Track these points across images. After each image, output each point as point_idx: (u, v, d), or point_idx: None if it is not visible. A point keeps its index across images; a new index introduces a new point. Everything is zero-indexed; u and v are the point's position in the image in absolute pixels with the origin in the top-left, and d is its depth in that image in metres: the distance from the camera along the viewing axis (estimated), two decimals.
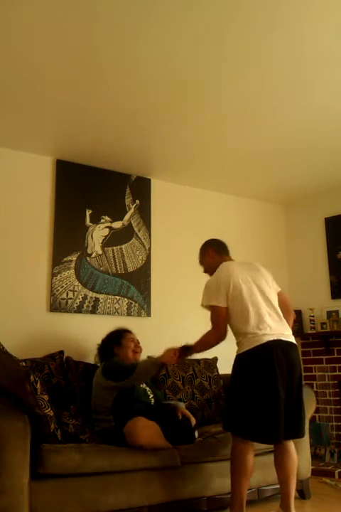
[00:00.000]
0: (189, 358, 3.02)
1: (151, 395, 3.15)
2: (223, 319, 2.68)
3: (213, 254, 2.95)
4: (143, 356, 3.29)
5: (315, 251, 4.75)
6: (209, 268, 2.94)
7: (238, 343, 2.68)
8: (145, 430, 2.69)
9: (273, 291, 2.81)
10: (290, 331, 2.71)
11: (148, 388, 3.17)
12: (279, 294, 2.85)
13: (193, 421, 3.05)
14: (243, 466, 2.54)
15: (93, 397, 3.02)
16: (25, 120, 3.27)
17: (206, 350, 2.83)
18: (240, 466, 2.55)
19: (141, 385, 3.13)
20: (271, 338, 2.57)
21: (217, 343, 2.74)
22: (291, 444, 2.66)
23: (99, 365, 3.22)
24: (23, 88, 2.90)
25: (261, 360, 2.54)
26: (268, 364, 2.52)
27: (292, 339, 2.68)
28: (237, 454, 2.56)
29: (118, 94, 3.00)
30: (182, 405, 3.21)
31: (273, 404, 2.48)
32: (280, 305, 2.78)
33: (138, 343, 3.32)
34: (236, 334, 2.69)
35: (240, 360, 2.63)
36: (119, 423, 2.82)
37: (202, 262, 3.06)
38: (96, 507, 2.52)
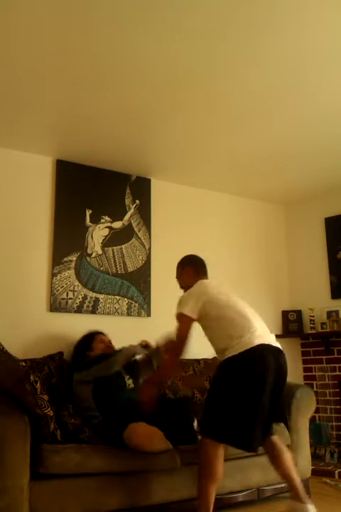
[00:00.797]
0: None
1: (127, 377, 3.15)
2: (185, 335, 2.65)
3: (191, 272, 2.93)
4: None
5: (315, 251, 4.75)
6: (186, 285, 2.91)
7: (224, 350, 2.56)
8: (150, 439, 2.66)
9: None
10: (274, 338, 2.65)
11: (126, 375, 3.17)
12: None
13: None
14: (215, 472, 2.45)
15: (75, 400, 2.99)
16: (25, 120, 3.27)
17: (167, 374, 2.81)
18: (212, 473, 2.45)
19: (126, 380, 3.14)
20: (261, 342, 2.51)
21: (177, 363, 2.70)
22: (277, 439, 2.68)
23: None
24: (23, 88, 2.90)
25: (253, 364, 2.46)
26: (259, 369, 2.45)
27: (279, 346, 2.63)
28: (210, 460, 2.45)
29: (118, 94, 3.00)
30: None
31: (256, 410, 2.43)
32: None
33: (110, 342, 3.32)
34: (221, 340, 2.60)
35: (229, 363, 2.52)
36: (107, 417, 2.83)
37: (179, 278, 3.03)
38: (96, 507, 2.53)
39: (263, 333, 2.59)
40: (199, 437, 2.92)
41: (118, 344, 3.37)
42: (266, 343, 2.53)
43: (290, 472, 2.62)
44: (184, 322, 2.67)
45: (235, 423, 2.43)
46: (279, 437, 2.76)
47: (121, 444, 2.68)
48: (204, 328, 2.71)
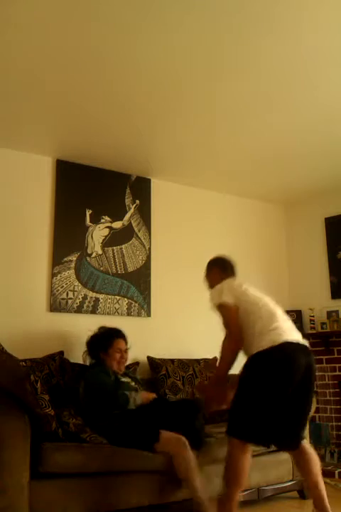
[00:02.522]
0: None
1: (133, 383, 3.15)
2: (234, 319, 2.53)
3: (217, 272, 2.87)
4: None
5: (315, 251, 4.75)
6: (212, 286, 2.84)
7: (249, 346, 2.49)
8: (183, 450, 2.65)
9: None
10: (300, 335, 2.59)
11: (134, 383, 3.16)
12: None
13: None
14: (241, 475, 2.38)
15: (81, 401, 3.00)
16: (25, 120, 3.27)
17: (228, 365, 2.56)
18: (238, 476, 2.39)
19: (128, 381, 3.14)
20: (290, 339, 2.43)
21: (236, 348, 2.53)
22: (308, 447, 2.56)
23: (87, 363, 3.23)
24: (23, 88, 2.90)
25: (280, 360, 2.38)
26: (287, 366, 2.38)
27: (307, 344, 2.55)
28: (236, 461, 2.39)
29: (118, 95, 3.00)
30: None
31: (285, 407, 2.39)
32: None
33: (126, 351, 3.23)
34: (247, 337, 2.52)
35: (256, 359, 2.44)
36: (118, 423, 2.82)
37: (206, 278, 2.97)
38: (96, 507, 2.52)
39: (291, 330, 2.52)
40: (208, 440, 2.92)
41: None
42: (296, 341, 2.46)
43: (317, 482, 2.52)
44: (227, 309, 2.55)
45: (262, 421, 2.37)
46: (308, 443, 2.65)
47: (151, 450, 2.69)
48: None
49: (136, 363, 3.59)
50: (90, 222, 3.88)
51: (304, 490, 3.23)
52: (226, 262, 2.95)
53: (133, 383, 3.17)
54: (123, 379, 3.15)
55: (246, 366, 2.51)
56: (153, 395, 3.06)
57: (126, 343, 3.26)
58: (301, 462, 2.57)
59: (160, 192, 4.26)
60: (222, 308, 2.58)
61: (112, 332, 3.24)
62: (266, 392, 2.37)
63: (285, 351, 2.40)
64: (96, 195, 3.93)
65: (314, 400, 3.41)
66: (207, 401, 2.74)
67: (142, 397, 2.99)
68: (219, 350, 2.57)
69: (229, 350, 2.55)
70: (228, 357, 2.55)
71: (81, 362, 3.33)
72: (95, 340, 3.24)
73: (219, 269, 2.89)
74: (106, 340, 3.19)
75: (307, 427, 3.37)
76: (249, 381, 2.46)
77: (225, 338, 2.57)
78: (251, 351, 2.47)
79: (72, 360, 3.35)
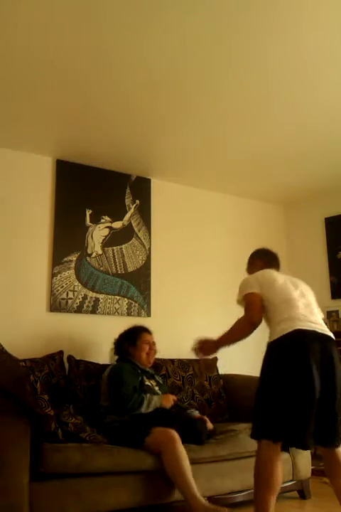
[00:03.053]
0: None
1: (157, 388, 3.15)
2: (256, 304, 2.47)
3: (261, 265, 2.80)
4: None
5: (315, 251, 4.75)
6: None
7: (270, 334, 2.46)
8: (172, 444, 2.63)
9: (316, 306, 2.60)
10: (326, 327, 2.49)
11: (158, 389, 3.16)
12: None
13: (210, 425, 3.04)
14: (272, 478, 2.23)
15: (101, 395, 3.03)
16: (25, 120, 3.26)
17: (235, 340, 2.55)
18: (268, 479, 2.23)
19: (153, 386, 3.13)
20: (304, 327, 2.34)
21: (249, 329, 2.48)
22: (339, 454, 2.36)
23: (114, 362, 3.25)
24: (23, 88, 2.90)
25: (293, 348, 2.30)
26: (300, 354, 2.28)
27: (330, 333, 2.43)
28: (265, 464, 2.25)
29: (118, 95, 3.00)
30: (196, 413, 3.17)
31: (303, 401, 2.22)
32: None
33: (154, 344, 3.28)
34: (270, 325, 2.49)
35: (270, 349, 2.40)
36: (128, 422, 2.83)
37: (248, 271, 2.89)
38: (96, 507, 2.52)
39: (309, 318, 2.41)
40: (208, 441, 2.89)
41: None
42: (310, 328, 2.35)
43: None
44: (250, 298, 2.51)
45: (280, 416, 2.24)
46: None
47: (141, 447, 2.68)
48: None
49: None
50: (90, 222, 3.88)
51: (304, 490, 3.23)
52: (269, 254, 2.89)
53: (157, 387, 3.17)
54: (148, 382, 3.13)
55: (264, 357, 2.44)
56: (174, 398, 3.08)
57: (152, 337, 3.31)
58: (329, 465, 2.41)
59: (160, 192, 4.26)
60: (246, 298, 2.53)
61: (139, 327, 3.31)
62: (278, 382, 2.28)
63: (294, 338, 2.32)
64: (96, 195, 3.93)
65: None
66: (197, 350, 2.71)
67: (162, 400, 2.98)
68: (233, 325, 2.53)
69: (240, 328, 2.52)
70: (236, 332, 2.53)
71: (83, 360, 3.34)
72: (123, 335, 3.28)
73: (262, 262, 2.82)
74: (135, 333, 3.25)
75: None
76: (263, 373, 2.40)
77: (242, 319, 2.51)
78: (270, 338, 2.44)
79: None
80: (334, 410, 2.30)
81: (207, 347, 2.65)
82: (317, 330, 2.38)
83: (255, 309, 2.48)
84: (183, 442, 2.72)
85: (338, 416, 2.31)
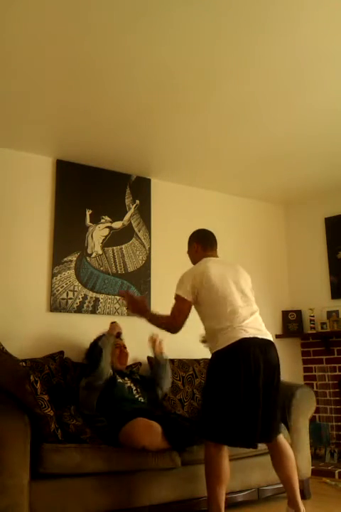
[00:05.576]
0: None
1: (138, 395, 3.14)
2: (182, 313, 2.65)
3: (198, 248, 2.90)
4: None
5: (315, 251, 4.75)
6: (193, 260, 2.92)
7: (212, 342, 2.58)
8: (148, 430, 2.67)
9: (250, 291, 2.74)
10: (265, 329, 2.62)
11: (133, 386, 3.17)
12: None
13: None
14: (218, 472, 2.44)
15: (79, 402, 3.01)
16: (25, 120, 3.26)
17: (155, 325, 2.82)
18: (215, 473, 2.44)
19: (126, 383, 3.14)
20: (247, 336, 2.47)
21: (167, 330, 2.74)
22: (284, 443, 2.61)
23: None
24: (23, 88, 2.90)
25: (236, 358, 2.44)
26: (242, 363, 2.43)
27: (269, 337, 2.60)
28: (212, 460, 2.46)
29: (118, 94, 3.00)
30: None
31: (247, 405, 2.40)
32: None
33: (125, 348, 3.35)
34: (211, 332, 2.61)
35: (214, 359, 2.55)
36: (112, 424, 2.83)
37: (188, 252, 3.02)
38: (96, 507, 2.52)
39: (250, 323, 2.54)
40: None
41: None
42: (252, 336, 2.49)
43: (289, 477, 2.58)
44: (179, 304, 2.68)
45: (227, 421, 2.41)
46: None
47: (119, 444, 2.68)
48: (198, 312, 2.71)
49: (139, 363, 3.59)
50: (90, 222, 3.88)
51: (304, 490, 3.23)
52: (207, 238, 2.95)
53: (132, 384, 3.17)
54: (120, 380, 3.14)
55: (208, 366, 2.60)
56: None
57: (122, 339, 3.40)
58: (275, 456, 2.62)
59: (160, 192, 4.26)
60: (176, 299, 2.70)
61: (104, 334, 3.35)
62: (224, 391, 2.44)
63: (237, 348, 2.46)
64: (96, 195, 3.93)
65: (314, 399, 3.45)
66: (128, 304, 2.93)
67: (106, 339, 3.16)
68: (163, 316, 2.76)
69: (164, 324, 2.74)
70: (161, 324, 2.77)
71: (81, 361, 3.34)
72: (94, 343, 3.30)
73: (200, 245, 2.91)
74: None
75: (308, 427, 3.38)
76: (209, 382, 2.56)
77: (169, 318, 2.70)
78: (212, 348, 2.57)
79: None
80: (273, 408, 2.51)
81: (138, 308, 2.85)
82: (257, 336, 2.53)
83: (180, 316, 2.66)
84: (175, 444, 2.72)
85: (277, 410, 2.53)
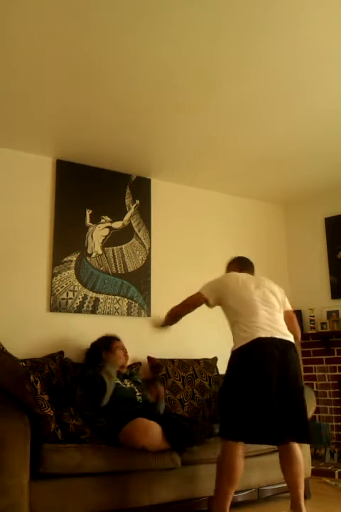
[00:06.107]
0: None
1: (138, 394, 3.13)
2: (192, 299, 2.84)
3: (235, 267, 3.04)
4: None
5: (315, 251, 4.75)
6: None
7: (233, 341, 2.65)
8: (148, 430, 2.67)
9: (279, 303, 2.77)
10: (286, 331, 2.66)
11: (135, 387, 3.17)
12: (286, 312, 2.82)
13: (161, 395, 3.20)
14: (231, 473, 2.44)
15: (77, 404, 2.99)
16: (25, 120, 3.27)
17: (172, 316, 2.98)
18: (226, 471, 2.45)
19: (127, 384, 3.13)
20: (264, 335, 2.53)
21: (178, 312, 2.94)
22: (295, 447, 2.60)
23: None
24: (23, 88, 2.90)
25: (253, 357, 2.50)
26: (258, 361, 2.48)
27: (289, 338, 2.63)
28: (226, 460, 2.46)
29: (118, 94, 3.00)
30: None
31: (264, 403, 2.42)
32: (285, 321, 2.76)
33: (126, 351, 3.35)
34: (232, 331, 2.67)
35: (232, 357, 2.60)
36: (112, 424, 2.83)
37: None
38: (96, 507, 2.52)
39: (269, 324, 2.59)
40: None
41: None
42: (270, 335, 2.55)
43: (296, 483, 2.58)
44: (193, 296, 2.85)
45: (245, 419, 2.42)
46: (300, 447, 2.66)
47: (119, 444, 2.68)
48: (225, 315, 2.80)
49: (139, 363, 3.59)
50: (90, 222, 3.88)
51: (304, 490, 3.23)
52: (244, 260, 3.11)
53: (132, 385, 3.17)
54: (120, 381, 3.13)
55: (229, 361, 2.64)
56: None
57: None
58: (284, 458, 2.62)
59: (160, 192, 4.26)
60: (196, 294, 2.83)
61: (111, 335, 3.39)
62: (242, 390, 2.47)
63: (254, 347, 2.51)
64: (96, 195, 3.93)
65: (314, 399, 3.45)
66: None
67: (108, 366, 3.09)
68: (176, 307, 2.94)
69: (176, 309, 2.93)
70: (174, 311, 2.96)
71: (81, 362, 3.34)
72: (97, 343, 3.33)
73: (237, 267, 3.03)
74: (108, 340, 3.32)
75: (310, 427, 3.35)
76: (226, 381, 2.60)
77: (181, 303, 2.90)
78: (233, 346, 2.62)
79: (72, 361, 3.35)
80: (291, 409, 2.50)
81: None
82: (275, 336, 2.57)
83: (189, 300, 2.87)
84: (175, 445, 2.72)
85: (304, 412, 2.54)
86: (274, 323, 2.63)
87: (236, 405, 2.47)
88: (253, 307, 2.64)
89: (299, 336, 2.87)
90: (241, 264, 3.06)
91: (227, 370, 2.62)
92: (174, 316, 2.98)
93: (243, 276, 2.82)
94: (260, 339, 2.52)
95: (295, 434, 2.54)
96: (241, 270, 2.96)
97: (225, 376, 2.63)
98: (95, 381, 2.94)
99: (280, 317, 2.71)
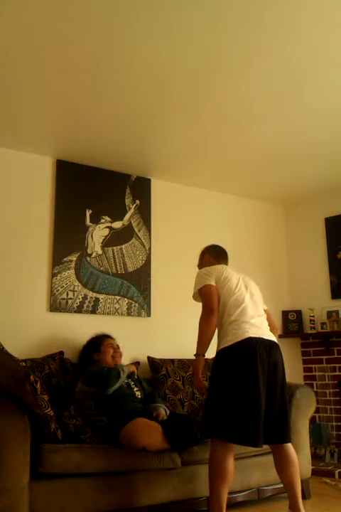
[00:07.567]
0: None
1: (136, 389, 3.14)
2: (212, 294, 2.62)
3: (210, 259, 2.97)
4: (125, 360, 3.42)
5: (315, 251, 4.75)
6: None
7: (219, 337, 2.62)
8: (148, 430, 2.67)
9: (261, 303, 2.78)
10: (270, 332, 2.66)
11: (130, 382, 3.17)
12: (265, 311, 2.81)
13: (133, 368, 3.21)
14: (223, 471, 2.44)
15: (77, 404, 2.99)
16: (25, 120, 3.27)
17: (207, 339, 2.59)
18: (220, 472, 2.44)
19: (124, 381, 3.13)
20: (253, 335, 2.52)
21: (213, 319, 2.58)
22: (289, 447, 2.59)
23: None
24: (23, 88, 2.90)
25: (242, 357, 2.47)
26: (249, 361, 2.45)
27: (274, 338, 2.63)
28: (217, 459, 2.45)
29: (118, 95, 3.00)
30: (162, 410, 3.03)
31: (252, 404, 2.40)
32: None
33: (118, 347, 3.36)
34: (220, 326, 2.63)
35: (220, 356, 2.56)
36: (112, 423, 2.83)
37: (199, 265, 3.06)
38: (96, 507, 2.52)
39: (258, 324, 2.59)
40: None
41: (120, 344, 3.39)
42: (258, 336, 2.54)
43: (292, 484, 2.57)
44: (207, 290, 2.65)
45: (234, 419, 2.41)
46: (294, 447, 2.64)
47: (120, 444, 2.68)
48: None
49: (137, 363, 3.59)
50: (90, 222, 3.88)
51: (304, 490, 3.23)
52: (220, 251, 3.03)
53: (128, 380, 3.17)
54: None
55: (213, 363, 2.60)
56: (133, 368, 3.25)
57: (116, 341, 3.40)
58: (278, 460, 2.62)
59: (160, 192, 4.27)
60: (204, 290, 2.67)
61: (101, 334, 3.39)
62: (230, 388, 2.45)
63: (244, 347, 2.49)
64: (96, 195, 3.93)
65: (314, 399, 3.45)
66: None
67: (129, 367, 3.18)
68: (198, 334, 2.62)
69: (205, 324, 2.59)
70: (204, 332, 2.59)
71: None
72: (86, 345, 3.34)
73: (212, 258, 2.97)
74: (97, 341, 3.33)
75: (308, 427, 3.38)
76: (214, 379, 2.56)
77: (203, 314, 2.63)
78: (219, 345, 2.59)
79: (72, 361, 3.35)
80: (280, 409, 2.51)
81: (197, 379, 2.64)
82: (263, 337, 2.57)
83: (213, 298, 2.62)
84: (175, 444, 2.72)
85: (286, 414, 2.54)
86: (261, 323, 2.64)
87: (226, 405, 2.44)
88: (244, 306, 2.62)
89: (277, 332, 2.88)
90: (217, 254, 2.99)
91: (216, 369, 2.56)
92: (209, 334, 2.63)
93: (234, 273, 2.78)
94: (250, 339, 2.50)
95: (279, 437, 2.54)
96: (217, 260, 2.93)
97: (214, 375, 2.57)
98: (101, 370, 3.01)
99: (264, 317, 2.72)
